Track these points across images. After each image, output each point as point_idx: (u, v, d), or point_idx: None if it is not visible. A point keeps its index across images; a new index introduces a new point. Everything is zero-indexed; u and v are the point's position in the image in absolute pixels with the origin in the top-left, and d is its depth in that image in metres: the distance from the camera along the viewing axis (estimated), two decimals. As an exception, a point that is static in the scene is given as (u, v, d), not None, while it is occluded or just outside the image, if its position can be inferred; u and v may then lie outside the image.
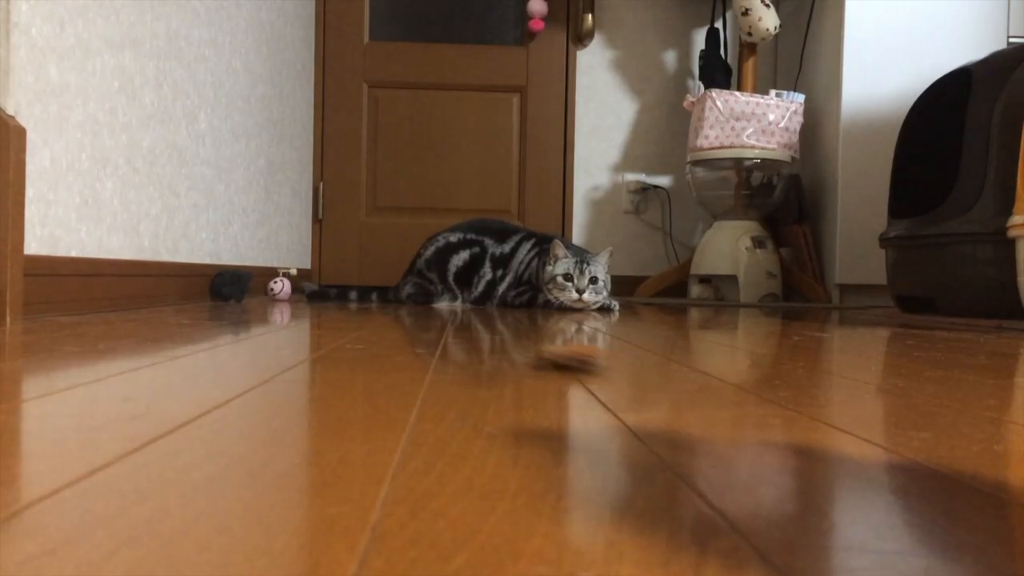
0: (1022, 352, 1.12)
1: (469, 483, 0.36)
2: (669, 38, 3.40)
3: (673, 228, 3.42)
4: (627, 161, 3.41)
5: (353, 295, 2.33)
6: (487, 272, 2.21)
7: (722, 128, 2.80)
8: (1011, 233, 1.66)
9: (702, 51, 3.24)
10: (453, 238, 2.25)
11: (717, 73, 3.15)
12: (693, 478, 0.37)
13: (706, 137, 2.82)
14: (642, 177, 3.40)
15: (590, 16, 3.23)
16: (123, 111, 1.62)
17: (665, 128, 3.40)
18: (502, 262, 2.22)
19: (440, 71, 3.34)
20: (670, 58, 3.41)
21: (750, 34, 2.92)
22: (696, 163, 2.93)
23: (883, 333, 1.46)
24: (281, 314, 1.61)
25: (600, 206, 3.41)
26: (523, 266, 2.20)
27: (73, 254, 1.45)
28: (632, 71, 3.39)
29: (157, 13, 1.75)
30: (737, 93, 2.80)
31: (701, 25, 3.38)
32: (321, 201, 3.33)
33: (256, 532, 0.28)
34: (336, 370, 0.75)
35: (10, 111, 1.24)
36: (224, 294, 1.99)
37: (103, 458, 0.38)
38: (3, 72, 1.23)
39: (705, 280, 3.02)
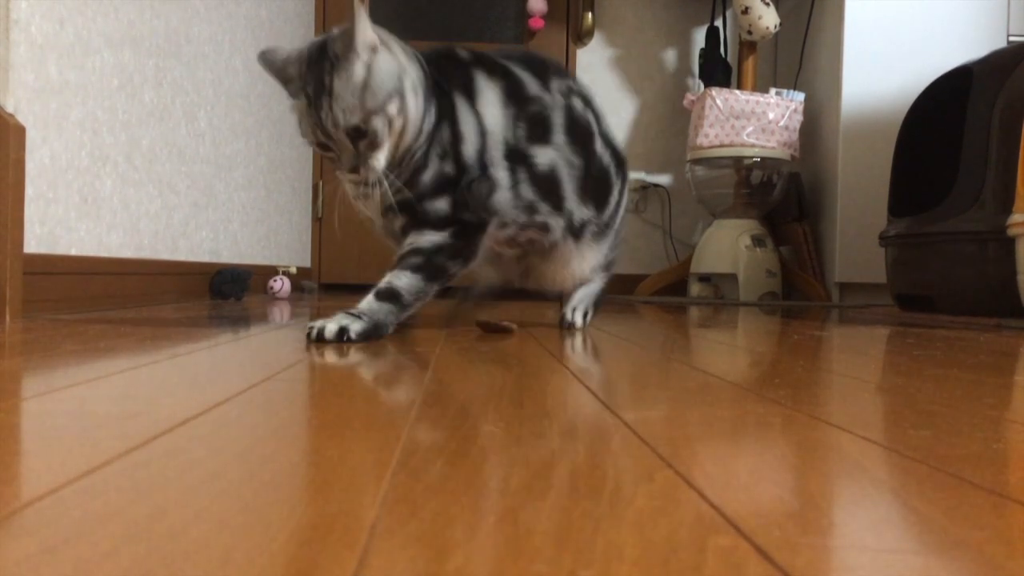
0: (1022, 350, 1.12)
1: (469, 481, 0.36)
2: (669, 36, 3.40)
3: (673, 226, 3.42)
4: (627, 159, 3.40)
5: None
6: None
7: (722, 127, 2.80)
8: (1011, 231, 1.66)
9: (702, 49, 3.24)
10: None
11: (717, 71, 3.15)
12: (692, 476, 0.37)
13: (706, 136, 2.82)
14: (642, 175, 3.40)
15: (590, 14, 3.23)
16: (123, 109, 1.62)
17: (665, 126, 3.40)
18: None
19: (440, 69, 3.33)
20: (670, 56, 3.40)
21: (750, 32, 2.92)
22: (696, 161, 2.93)
23: (882, 331, 1.46)
24: (281, 312, 1.61)
25: (600, 204, 3.41)
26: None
27: (73, 252, 1.45)
28: (632, 69, 3.39)
29: (157, 11, 1.75)
30: (737, 91, 2.80)
31: (701, 23, 3.37)
32: (321, 199, 3.33)
33: (256, 530, 0.28)
34: (336, 368, 0.75)
35: (9, 109, 1.24)
36: (224, 292, 1.99)
37: (102, 456, 0.38)
38: (2, 70, 1.23)
39: (705, 279, 3.02)
